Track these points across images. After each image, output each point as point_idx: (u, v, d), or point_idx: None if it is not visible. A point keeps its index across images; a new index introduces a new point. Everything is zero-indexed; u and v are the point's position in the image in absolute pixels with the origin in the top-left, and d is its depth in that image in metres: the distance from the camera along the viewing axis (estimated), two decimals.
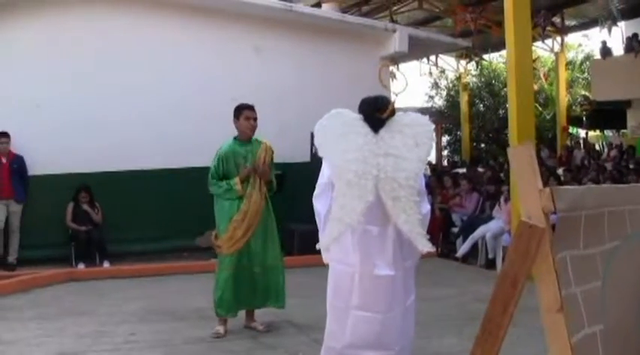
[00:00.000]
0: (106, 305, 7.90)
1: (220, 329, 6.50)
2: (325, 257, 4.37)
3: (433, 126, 4.36)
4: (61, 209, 10.67)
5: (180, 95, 11.43)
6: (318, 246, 4.29)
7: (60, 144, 10.68)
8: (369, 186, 4.05)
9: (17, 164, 10.57)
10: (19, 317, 7.37)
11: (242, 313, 6.70)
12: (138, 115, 11.15)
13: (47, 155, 10.63)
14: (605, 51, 20.69)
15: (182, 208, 11.05)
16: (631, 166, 15.19)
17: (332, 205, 4.16)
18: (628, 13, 18.60)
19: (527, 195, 2.08)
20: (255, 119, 6.57)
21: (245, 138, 6.58)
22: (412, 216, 4.09)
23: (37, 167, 10.67)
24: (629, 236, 2.55)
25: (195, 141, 11.23)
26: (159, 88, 11.31)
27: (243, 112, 6.53)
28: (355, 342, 4.24)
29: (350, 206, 4.04)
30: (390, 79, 4.34)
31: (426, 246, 4.14)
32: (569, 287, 2.07)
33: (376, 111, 4.23)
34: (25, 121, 10.62)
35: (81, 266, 10.25)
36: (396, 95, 4.34)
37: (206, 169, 11.07)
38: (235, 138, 6.65)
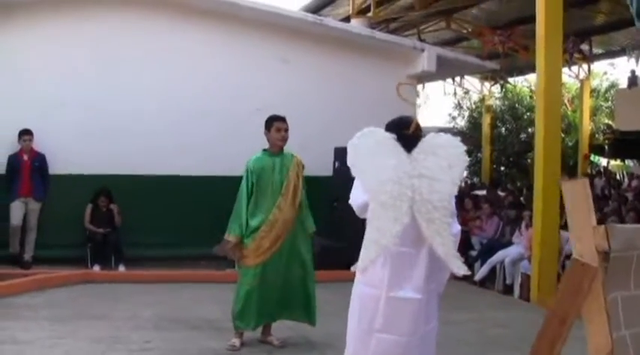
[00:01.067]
0: (121, 309, 7.85)
1: (236, 342, 6.44)
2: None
3: (465, 148, 4.26)
4: (80, 209, 10.67)
5: (206, 103, 11.46)
6: (353, 269, 4.16)
7: (83, 145, 10.71)
8: (405, 208, 3.97)
9: (39, 162, 10.58)
10: (33, 316, 7.34)
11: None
12: (163, 121, 11.19)
13: (69, 154, 10.66)
14: (634, 80, 20.52)
15: (201, 216, 11.02)
16: None
17: (367, 227, 4.08)
18: None
19: (581, 231, 2.01)
20: (287, 130, 6.52)
21: (276, 149, 6.54)
22: (446, 239, 4.04)
23: (58, 166, 10.67)
24: None
25: (218, 150, 11.25)
26: (185, 94, 11.36)
27: (275, 124, 6.49)
28: None
29: (386, 228, 3.96)
30: (416, 95, 4.29)
31: (461, 269, 4.08)
32: (619, 329, 1.99)
33: (402, 129, 4.19)
34: (49, 120, 10.64)
35: (96, 268, 10.24)
36: (413, 105, 4.29)
37: (228, 178, 11.12)
38: (265, 150, 6.61)
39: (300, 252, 6.53)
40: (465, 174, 28.45)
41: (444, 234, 4.02)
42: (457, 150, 4.18)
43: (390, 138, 4.15)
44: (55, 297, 8.43)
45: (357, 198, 4.22)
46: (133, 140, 10.97)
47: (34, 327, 6.83)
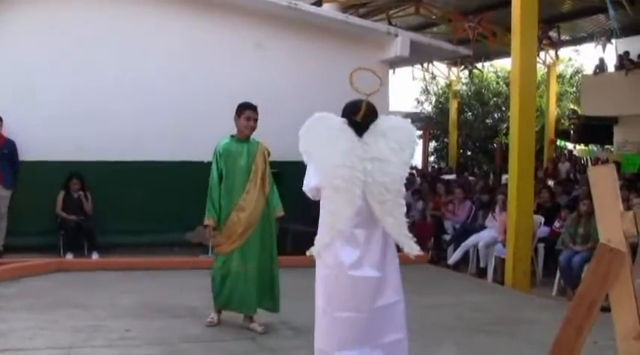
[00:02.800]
0: (99, 298, 7.74)
1: (215, 316, 6.66)
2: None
3: (415, 128, 4.45)
4: (52, 197, 10.53)
5: (178, 88, 11.34)
6: (309, 253, 4.28)
7: (54, 131, 10.53)
8: (357, 192, 4.10)
9: (8, 149, 10.40)
10: (9, 306, 7.18)
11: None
12: (134, 107, 11.04)
13: (40, 141, 10.49)
14: (602, 67, 20.77)
15: (174, 202, 10.95)
16: (619, 182, 15.20)
17: (321, 212, 4.19)
18: (621, 32, 18.69)
19: (608, 217, 2.00)
20: (256, 120, 6.59)
21: (242, 137, 6.62)
22: (399, 219, 4.20)
23: (29, 153, 10.51)
24: None
25: (191, 136, 11.16)
26: (158, 80, 11.22)
27: (245, 112, 6.56)
28: (345, 344, 4.24)
29: (340, 212, 4.09)
30: (379, 80, 4.30)
31: (413, 249, 4.24)
32: None
33: (352, 115, 4.26)
34: (18, 106, 10.46)
35: (69, 256, 10.12)
36: (367, 96, 4.29)
37: (200, 164, 11.04)
38: (232, 136, 6.68)
39: (270, 239, 6.63)
40: (432, 158, 28.68)
41: (396, 215, 4.18)
42: (407, 131, 4.35)
43: (341, 122, 4.25)
44: (31, 286, 8.29)
45: (309, 182, 4.29)
46: (104, 126, 10.81)
47: (11, 318, 6.69)
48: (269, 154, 6.72)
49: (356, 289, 4.19)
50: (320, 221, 4.19)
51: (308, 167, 4.30)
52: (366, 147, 4.16)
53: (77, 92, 10.74)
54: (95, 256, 10.25)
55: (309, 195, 4.33)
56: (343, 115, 4.30)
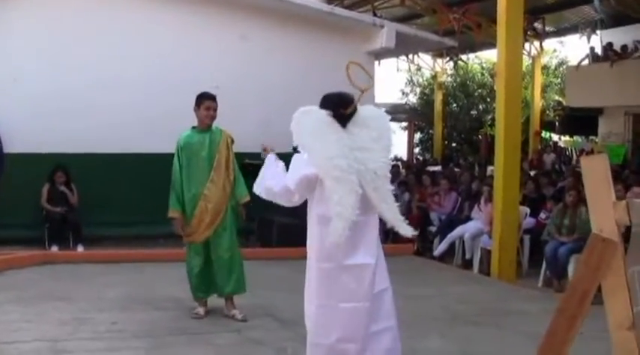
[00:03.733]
0: (85, 290, 7.71)
1: (201, 310, 6.70)
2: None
3: (389, 116, 4.54)
4: (37, 189, 10.47)
5: (164, 80, 11.27)
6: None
7: (38, 122, 10.48)
8: (355, 180, 4.15)
9: None
10: None
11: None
12: (119, 98, 10.98)
13: (25, 133, 10.43)
14: (594, 57, 20.80)
15: (159, 194, 10.83)
16: None
17: (326, 204, 4.19)
18: (604, 23, 18.79)
19: (600, 206, 2.00)
20: (215, 109, 6.64)
21: (204, 126, 6.67)
22: (391, 204, 4.31)
23: (13, 144, 10.45)
24: None
25: (177, 127, 11.00)
26: (143, 72, 11.17)
27: (205, 102, 6.62)
28: (346, 335, 4.26)
29: (345, 201, 4.11)
30: (369, 76, 4.40)
31: (409, 231, 4.37)
32: (638, 304, 1.99)
33: (340, 108, 4.30)
34: (2, 97, 10.41)
35: (54, 248, 10.07)
36: (362, 92, 4.34)
37: None
38: (194, 128, 6.76)
39: (232, 227, 6.71)
40: (417, 150, 28.73)
41: (389, 201, 4.30)
42: (383, 120, 4.47)
43: (326, 115, 4.29)
44: (15, 279, 8.24)
45: (297, 172, 4.26)
46: (90, 118, 10.77)
47: None
48: (232, 141, 6.76)
49: (358, 277, 4.25)
50: (330, 213, 4.15)
51: (293, 160, 4.32)
52: (352, 137, 4.24)
53: (62, 84, 10.68)
54: (80, 248, 10.20)
55: (298, 184, 4.27)
56: (327, 107, 4.33)
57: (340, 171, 4.12)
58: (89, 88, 10.80)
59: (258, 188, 4.55)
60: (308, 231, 4.40)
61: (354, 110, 4.33)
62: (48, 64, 10.65)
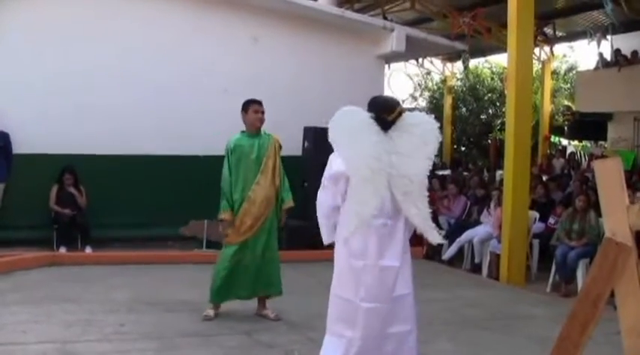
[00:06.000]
0: (92, 292, 7.72)
1: (211, 312, 6.71)
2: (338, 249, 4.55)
3: (438, 124, 4.57)
4: (45, 190, 10.44)
5: (173, 82, 11.31)
6: (328, 241, 4.58)
7: (48, 124, 10.48)
8: (384, 182, 4.28)
9: (2, 141, 10.33)
10: (2, 300, 7.15)
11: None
12: (129, 100, 10.99)
13: (34, 134, 10.41)
14: (603, 62, 20.71)
15: (168, 196, 10.93)
16: None
17: (347, 200, 4.35)
18: (615, 28, 18.70)
19: (614, 210, 1.98)
20: (263, 113, 6.74)
21: (253, 130, 6.73)
22: (423, 210, 4.41)
23: (23, 146, 10.43)
24: None
25: (186, 130, 11.14)
26: (152, 74, 11.18)
27: (252, 106, 6.72)
28: (369, 333, 4.38)
29: (366, 201, 4.25)
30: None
31: (437, 238, 4.54)
32: None
33: (384, 113, 4.44)
34: (13, 98, 10.40)
35: (62, 250, 10.05)
36: (404, 101, 4.49)
37: (195, 158, 11.03)
38: (243, 132, 6.80)
39: (274, 231, 6.81)
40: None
41: (420, 206, 4.39)
42: (431, 126, 4.51)
43: (368, 117, 4.43)
44: (23, 280, 8.25)
45: (334, 167, 4.45)
46: (99, 119, 10.78)
47: (4, 312, 6.65)
48: (280, 147, 6.85)
49: (382, 278, 4.35)
50: (346, 209, 4.36)
51: (331, 158, 4.49)
52: (391, 142, 4.36)
53: (71, 86, 10.68)
54: (88, 250, 10.18)
55: (325, 181, 4.49)
56: (371, 110, 4.49)
57: (370, 171, 4.26)
58: (98, 90, 10.82)
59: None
60: (338, 228, 4.50)
61: (398, 116, 4.43)
62: (56, 66, 10.63)
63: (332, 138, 4.43)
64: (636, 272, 1.93)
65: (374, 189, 4.26)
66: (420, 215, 4.38)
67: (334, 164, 4.44)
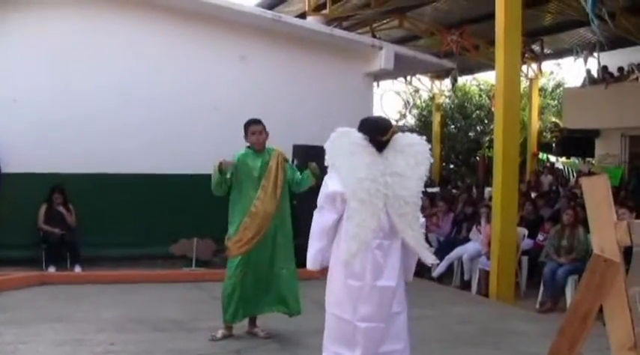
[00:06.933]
0: (82, 311, 7.68)
1: (219, 333, 6.62)
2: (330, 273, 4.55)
3: (429, 146, 4.62)
4: (34, 209, 10.43)
5: (163, 101, 11.32)
6: (310, 267, 4.54)
7: (36, 142, 10.50)
8: (380, 204, 4.31)
9: None
10: None
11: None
12: (119, 119, 11.00)
13: (23, 152, 10.40)
14: (591, 79, 20.88)
15: (157, 215, 10.91)
16: None
17: (346, 223, 4.36)
18: (602, 46, 18.87)
19: (601, 227, 2.00)
20: (261, 132, 6.68)
21: (258, 149, 6.69)
22: (417, 231, 4.43)
23: (11, 164, 10.42)
24: None
25: (175, 149, 11.14)
26: (142, 92, 11.20)
27: (250, 128, 6.69)
28: (366, 353, 4.38)
29: (365, 223, 4.27)
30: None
31: (430, 258, 4.57)
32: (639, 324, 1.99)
33: (378, 135, 4.45)
34: (1, 117, 10.37)
35: (51, 269, 10.02)
36: (397, 120, 4.52)
37: (185, 177, 11.01)
38: (249, 147, 6.76)
39: (285, 244, 6.68)
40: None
41: (415, 227, 4.41)
42: (423, 147, 4.55)
43: (362, 138, 4.46)
44: (12, 300, 8.20)
45: (330, 187, 4.42)
46: (88, 138, 10.78)
47: None
48: (286, 160, 6.80)
49: (380, 298, 4.37)
50: (346, 232, 4.35)
51: (326, 179, 4.49)
52: (386, 163, 4.39)
53: (60, 105, 10.71)
54: (78, 269, 10.16)
55: (322, 201, 4.47)
56: (364, 131, 4.49)
57: (367, 194, 4.28)
58: (87, 109, 10.83)
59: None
60: (334, 245, 4.49)
61: (392, 136, 4.46)
62: (47, 85, 10.67)
63: (329, 160, 4.46)
64: (624, 288, 1.96)
65: (372, 211, 4.28)
66: (415, 236, 4.41)
67: (330, 184, 4.44)
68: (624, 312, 1.93)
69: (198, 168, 10.01)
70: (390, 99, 24.88)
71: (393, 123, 4.80)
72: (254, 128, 6.65)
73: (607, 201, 1.99)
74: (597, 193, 2.00)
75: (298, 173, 6.77)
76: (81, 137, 10.74)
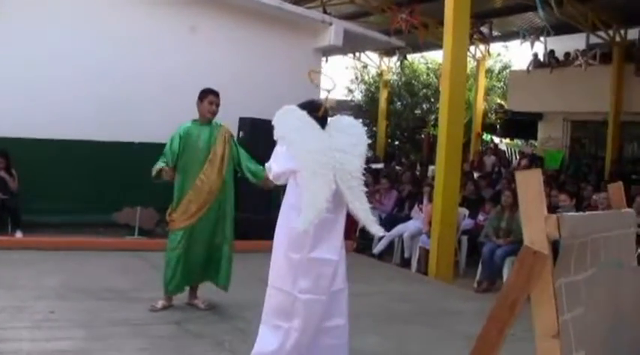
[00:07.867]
0: (22, 278, 7.62)
1: (159, 303, 6.68)
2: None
3: (365, 128, 4.99)
4: None
5: (110, 69, 11.23)
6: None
7: None
8: (330, 176, 4.48)
9: None
10: None
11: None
12: (69, 85, 10.86)
13: None
14: (537, 63, 21.26)
15: (102, 182, 10.82)
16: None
17: (302, 193, 4.48)
18: (549, 31, 19.19)
19: (533, 220, 2.12)
20: (218, 105, 6.76)
21: (204, 120, 6.75)
22: (365, 204, 4.64)
23: None
24: (601, 263, 2.63)
25: (122, 117, 11.03)
26: (86, 60, 11.10)
27: (208, 96, 6.73)
28: (307, 325, 4.54)
29: (319, 192, 4.42)
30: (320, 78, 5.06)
31: (379, 231, 4.78)
32: (563, 313, 2.12)
33: (313, 111, 4.73)
34: None
35: None
36: (328, 92, 5.00)
37: (129, 145, 10.92)
38: (194, 121, 6.79)
39: (225, 218, 6.76)
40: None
41: (362, 201, 4.61)
42: (360, 130, 4.89)
43: (306, 114, 4.69)
44: None
45: (281, 165, 4.64)
46: (34, 103, 10.61)
47: None
48: (232, 136, 6.87)
49: (319, 270, 4.52)
50: (303, 201, 4.44)
51: (275, 151, 4.67)
52: (331, 139, 4.64)
53: (6, 69, 10.53)
54: (19, 234, 10.04)
55: (275, 175, 4.70)
56: (301, 108, 4.75)
57: (319, 166, 4.46)
58: (32, 70, 10.68)
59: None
60: (279, 220, 4.68)
61: (326, 113, 4.77)
62: None
63: (279, 134, 4.60)
64: (551, 279, 2.08)
65: (324, 181, 4.43)
66: (362, 209, 4.58)
67: (281, 161, 4.63)
68: (550, 302, 2.05)
69: (143, 137, 10.00)
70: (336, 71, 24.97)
71: (332, 91, 5.03)
72: (213, 98, 6.71)
73: (539, 195, 2.10)
74: (530, 188, 2.11)
75: (252, 162, 6.73)
76: (27, 102, 10.58)
